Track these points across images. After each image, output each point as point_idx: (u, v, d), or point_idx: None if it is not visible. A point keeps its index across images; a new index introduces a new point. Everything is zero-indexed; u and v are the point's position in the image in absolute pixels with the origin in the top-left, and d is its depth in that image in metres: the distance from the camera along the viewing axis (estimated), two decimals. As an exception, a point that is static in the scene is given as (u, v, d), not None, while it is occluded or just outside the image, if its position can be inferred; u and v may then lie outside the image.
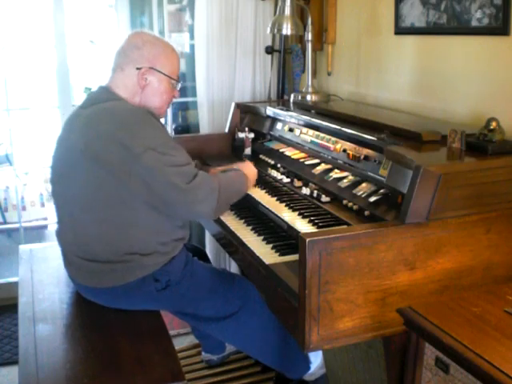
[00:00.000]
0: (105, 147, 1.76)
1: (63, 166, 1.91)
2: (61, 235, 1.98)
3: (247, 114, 2.83)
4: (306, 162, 2.24)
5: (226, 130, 2.85)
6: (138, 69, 1.91)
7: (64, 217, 1.96)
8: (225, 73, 3.08)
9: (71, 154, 1.86)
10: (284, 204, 2.01)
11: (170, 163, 1.76)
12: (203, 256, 2.37)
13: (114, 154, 1.75)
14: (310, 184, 2.08)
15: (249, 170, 2.13)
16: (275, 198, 2.09)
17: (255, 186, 2.25)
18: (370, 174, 1.87)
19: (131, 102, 1.91)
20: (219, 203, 1.84)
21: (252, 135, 2.67)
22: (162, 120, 2.11)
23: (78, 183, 1.84)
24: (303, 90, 2.77)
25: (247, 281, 2.11)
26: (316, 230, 1.72)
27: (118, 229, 1.83)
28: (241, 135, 2.68)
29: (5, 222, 4.54)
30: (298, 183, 2.14)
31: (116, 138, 1.75)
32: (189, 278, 1.96)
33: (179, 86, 2.04)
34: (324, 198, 1.94)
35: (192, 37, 3.24)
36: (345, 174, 2.00)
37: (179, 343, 2.84)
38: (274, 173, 2.31)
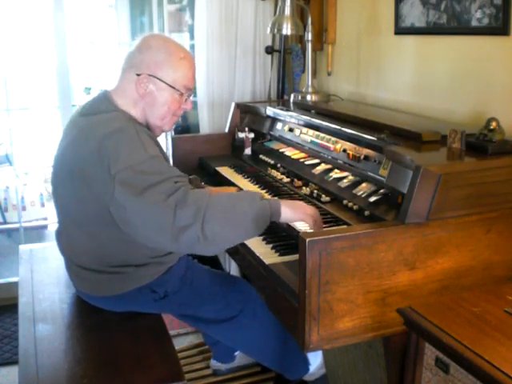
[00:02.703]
0: (89, 166, 1.69)
1: (59, 173, 1.87)
2: (59, 238, 1.97)
3: (247, 113, 2.83)
4: (306, 162, 2.23)
5: (226, 130, 2.85)
6: (137, 75, 1.79)
7: (60, 221, 1.95)
8: (225, 73, 3.08)
9: (63, 166, 1.82)
10: (284, 204, 2.00)
11: (146, 183, 1.60)
12: (213, 261, 2.29)
13: (97, 174, 1.67)
14: (310, 184, 2.07)
15: (297, 205, 1.72)
16: (275, 199, 2.08)
17: (258, 187, 2.25)
18: (370, 173, 1.87)
19: (132, 112, 1.81)
20: (206, 224, 1.56)
21: (252, 135, 2.67)
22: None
23: (68, 197, 1.81)
24: (303, 90, 2.77)
25: (248, 284, 2.10)
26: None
27: (110, 244, 1.80)
28: (241, 135, 2.68)
29: (5, 222, 4.54)
30: (297, 183, 2.14)
31: (98, 157, 1.66)
32: (188, 286, 1.94)
33: (188, 97, 1.88)
34: (324, 198, 1.94)
35: (192, 37, 3.24)
36: (345, 173, 2.00)
37: (179, 343, 2.83)
38: (273, 173, 2.31)
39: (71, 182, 1.77)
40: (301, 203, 1.75)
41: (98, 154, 1.67)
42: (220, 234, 1.59)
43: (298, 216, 1.68)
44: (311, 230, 1.67)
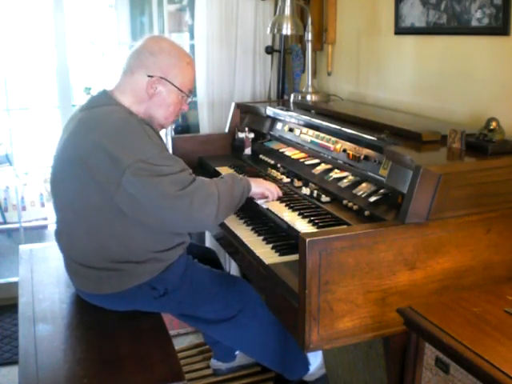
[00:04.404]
0: (93, 156, 1.71)
1: (59, 169, 1.88)
2: (58, 237, 1.97)
3: (247, 113, 2.83)
4: (306, 162, 2.23)
5: (226, 130, 2.85)
6: (149, 76, 1.85)
7: (60, 220, 1.95)
8: (225, 73, 3.08)
9: (63, 158, 1.83)
10: (284, 204, 2.00)
11: (162, 173, 1.70)
12: (214, 260, 2.30)
13: (102, 165, 1.70)
14: (310, 184, 2.08)
15: (259, 181, 2.04)
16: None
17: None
18: (370, 173, 1.87)
19: (135, 109, 1.85)
20: (219, 209, 1.77)
21: (252, 135, 2.67)
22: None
23: (69, 190, 1.82)
24: (303, 90, 2.77)
25: (247, 284, 2.10)
26: (316, 230, 1.72)
27: (111, 238, 1.81)
28: (241, 135, 2.68)
29: (5, 222, 4.54)
30: (297, 183, 2.14)
31: (104, 148, 1.69)
32: (188, 285, 1.94)
33: (189, 99, 1.98)
34: (324, 198, 1.94)
35: (192, 37, 3.24)
36: (345, 173, 2.00)
37: (179, 343, 2.84)
38: (273, 173, 2.31)
39: (72, 174, 1.79)
40: (262, 179, 2.08)
41: (101, 144, 1.70)
42: (226, 215, 1.86)
43: (260, 190, 1.99)
44: (272, 201, 2.01)
